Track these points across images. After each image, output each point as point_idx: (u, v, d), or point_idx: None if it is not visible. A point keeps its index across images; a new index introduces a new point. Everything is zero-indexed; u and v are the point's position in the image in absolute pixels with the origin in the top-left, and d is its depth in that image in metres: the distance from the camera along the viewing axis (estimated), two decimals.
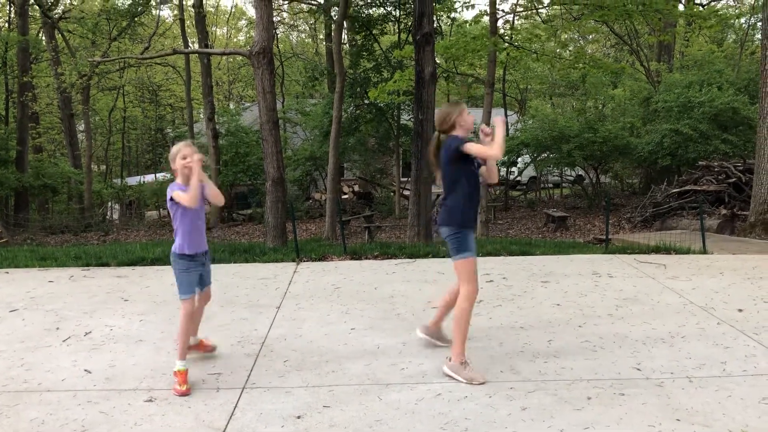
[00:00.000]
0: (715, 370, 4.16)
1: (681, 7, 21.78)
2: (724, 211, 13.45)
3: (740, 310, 5.48)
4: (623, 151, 19.11)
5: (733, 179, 14.63)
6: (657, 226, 14.76)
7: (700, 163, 16.15)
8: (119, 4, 24.95)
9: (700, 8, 18.28)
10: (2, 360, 4.54)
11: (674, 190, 15.65)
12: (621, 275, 6.94)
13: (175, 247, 4.15)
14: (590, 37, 30.39)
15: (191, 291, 4.18)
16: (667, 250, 8.52)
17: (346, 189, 24.85)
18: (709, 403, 3.68)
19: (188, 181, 4.03)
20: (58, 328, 5.28)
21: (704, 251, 8.50)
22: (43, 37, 26.63)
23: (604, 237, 9.71)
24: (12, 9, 27.78)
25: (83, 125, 28.05)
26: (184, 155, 4.06)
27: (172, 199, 4.06)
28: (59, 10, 26.21)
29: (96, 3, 28.67)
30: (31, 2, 24.78)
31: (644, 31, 25.68)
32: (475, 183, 4.23)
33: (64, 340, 4.96)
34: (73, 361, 4.51)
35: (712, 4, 26.40)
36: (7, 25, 29.83)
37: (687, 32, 24.74)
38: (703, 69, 21.11)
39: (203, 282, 4.33)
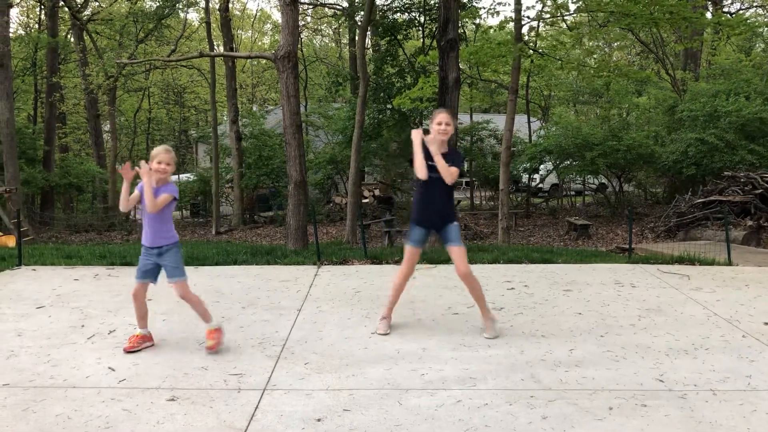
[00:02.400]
0: (740, 384, 4.10)
1: (708, 15, 21.57)
2: (749, 223, 13.27)
3: (766, 324, 5.40)
4: (647, 160, 18.93)
5: (760, 190, 14.42)
6: (681, 237, 14.59)
7: (725, 173, 15.94)
8: (147, 7, 25.28)
9: (729, 16, 18.05)
10: (29, 356, 4.62)
11: (699, 200, 15.47)
12: (644, 285, 6.87)
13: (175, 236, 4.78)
14: (616, 44, 30.17)
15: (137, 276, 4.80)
16: (691, 260, 8.42)
17: (366, 193, 24.92)
18: (733, 417, 3.63)
19: (159, 183, 4.63)
20: (83, 326, 5.36)
21: (729, 263, 8.39)
22: (72, 39, 27.07)
23: (627, 246, 9.62)
24: (42, 11, 28.29)
25: (109, 125, 28.42)
26: (159, 161, 4.60)
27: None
28: (88, 11, 26.63)
29: (124, 5, 29.07)
30: (60, 4, 25.20)
31: (670, 39, 25.46)
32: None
33: (88, 338, 5.03)
34: (97, 358, 4.57)
35: (741, 12, 26.10)
36: (37, 26, 30.39)
37: (714, 41, 24.48)
38: (730, 78, 20.87)
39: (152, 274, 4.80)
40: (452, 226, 5.01)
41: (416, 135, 4.92)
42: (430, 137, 4.94)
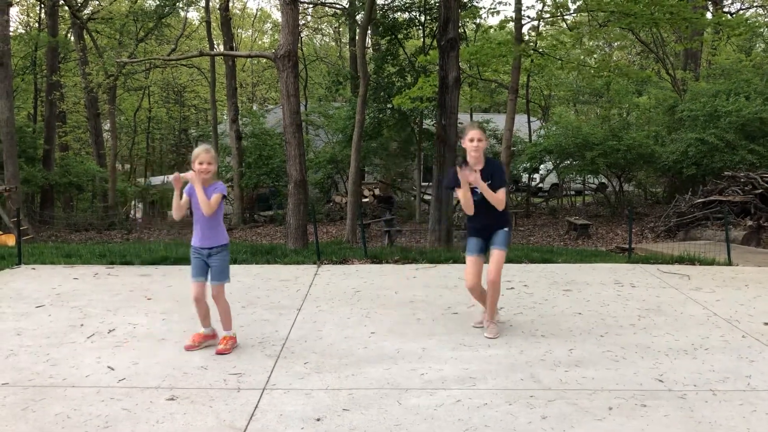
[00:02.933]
0: (740, 384, 4.10)
1: (709, 15, 21.56)
2: (749, 223, 13.26)
3: (766, 324, 5.40)
4: (647, 160, 18.92)
5: (760, 190, 14.41)
6: (681, 237, 14.59)
7: (725, 173, 15.93)
8: (147, 6, 25.28)
9: (729, 16, 18.05)
10: (28, 355, 4.62)
11: (699, 200, 15.46)
12: (644, 285, 6.87)
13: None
14: (616, 44, 30.17)
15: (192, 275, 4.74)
16: (691, 260, 8.42)
17: (366, 192, 24.91)
18: (733, 417, 3.63)
19: (206, 183, 4.59)
20: (82, 325, 5.36)
21: (729, 263, 8.39)
22: (72, 38, 27.06)
23: (627, 246, 9.62)
24: (42, 9, 28.27)
25: (109, 124, 28.42)
26: (200, 161, 4.56)
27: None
28: (88, 10, 26.62)
29: (124, 4, 29.06)
30: (60, 3, 25.19)
31: (670, 39, 25.45)
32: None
33: (88, 337, 5.03)
34: (96, 357, 4.57)
35: (741, 12, 26.09)
36: (37, 25, 30.38)
37: (714, 40, 24.47)
38: (730, 78, 20.86)
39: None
40: (501, 231, 5.06)
41: (461, 175, 4.83)
42: (469, 159, 4.97)
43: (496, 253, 5.01)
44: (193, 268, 4.73)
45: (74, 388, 4.02)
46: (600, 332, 5.18)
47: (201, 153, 4.60)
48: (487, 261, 5.12)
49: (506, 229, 5.10)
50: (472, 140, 4.96)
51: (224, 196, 4.70)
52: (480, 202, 4.98)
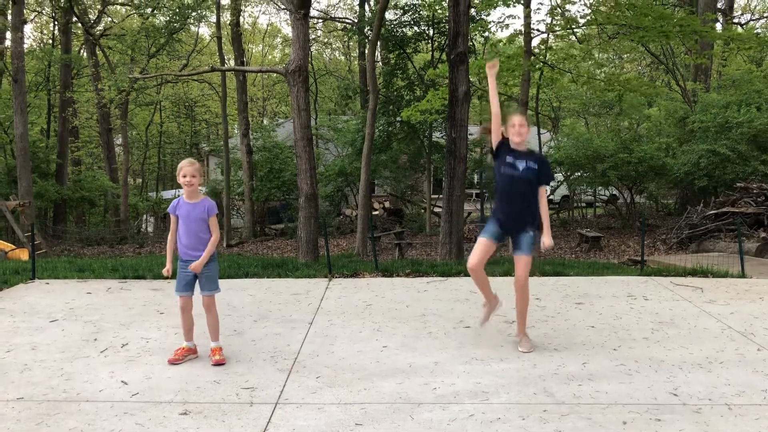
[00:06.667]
0: (756, 398, 4.06)
1: (719, 26, 21.53)
2: (763, 234, 13.16)
3: None
4: (659, 172, 18.85)
5: None
6: (693, 249, 14.50)
7: (738, 184, 15.84)
8: (158, 22, 25.54)
9: (740, 28, 18.02)
10: (43, 369, 4.65)
11: (711, 212, 15.37)
12: (657, 298, 6.83)
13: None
14: (626, 56, 30.14)
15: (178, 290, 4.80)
16: (704, 273, 8.36)
17: (376, 205, 24.94)
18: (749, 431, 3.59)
19: (191, 196, 4.73)
20: (96, 339, 5.39)
21: (743, 275, 8.32)
22: (85, 54, 27.38)
23: (639, 258, 9.57)
24: (56, 26, 28.63)
25: (121, 139, 28.67)
26: (183, 174, 4.65)
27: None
28: (100, 27, 26.94)
29: (136, 20, 29.38)
30: (74, 20, 25.51)
31: (680, 50, 25.40)
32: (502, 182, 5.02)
33: (101, 351, 5.05)
34: (110, 372, 4.59)
35: (751, 23, 26.02)
36: (50, 41, 30.76)
37: (725, 51, 24.40)
38: (741, 89, 20.75)
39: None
40: (527, 235, 4.96)
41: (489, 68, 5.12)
42: (512, 144, 5.01)
43: (524, 258, 4.95)
44: (178, 281, 4.77)
45: (88, 403, 4.03)
46: (613, 345, 5.15)
47: (185, 166, 4.66)
48: (500, 253, 5.10)
49: (531, 233, 4.96)
50: (513, 125, 4.97)
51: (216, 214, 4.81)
52: (514, 186, 4.90)
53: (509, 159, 4.95)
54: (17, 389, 4.26)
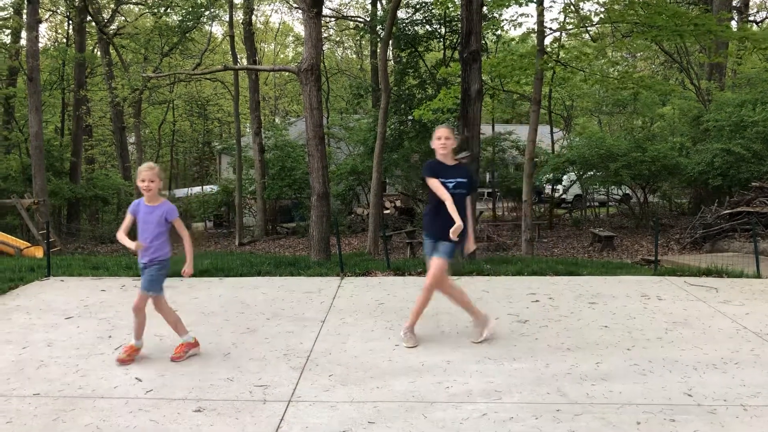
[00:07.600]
0: None
1: (734, 24, 21.33)
2: None
3: None
4: (672, 171, 18.72)
5: None
6: (707, 248, 14.39)
7: (753, 183, 15.70)
8: (171, 21, 25.68)
9: (755, 27, 17.84)
10: (58, 366, 4.69)
11: (725, 212, 15.25)
12: (670, 298, 6.79)
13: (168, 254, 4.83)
14: (639, 54, 29.96)
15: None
16: (718, 273, 8.30)
17: (387, 204, 24.93)
18: None
19: (151, 200, 4.71)
20: (110, 336, 5.43)
21: (758, 275, 8.24)
22: (98, 53, 27.56)
23: (653, 258, 9.51)
24: (70, 26, 28.86)
25: (134, 138, 28.82)
26: (142, 179, 4.65)
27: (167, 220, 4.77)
28: (114, 26, 27.12)
29: (149, 20, 29.55)
30: (88, 19, 25.69)
31: (694, 49, 25.20)
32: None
33: (116, 348, 5.09)
34: (125, 369, 4.62)
35: (767, 20, 25.76)
36: (65, 41, 31.00)
37: (740, 50, 24.19)
38: (756, 87, 20.56)
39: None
40: (446, 243, 5.15)
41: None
42: (438, 156, 5.16)
43: (435, 261, 5.18)
44: (141, 279, 4.87)
45: (103, 399, 4.07)
46: (627, 345, 5.12)
47: (143, 170, 4.68)
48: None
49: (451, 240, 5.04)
50: (439, 138, 5.10)
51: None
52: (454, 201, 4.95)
53: (441, 179, 5.03)
54: (33, 385, 4.30)
